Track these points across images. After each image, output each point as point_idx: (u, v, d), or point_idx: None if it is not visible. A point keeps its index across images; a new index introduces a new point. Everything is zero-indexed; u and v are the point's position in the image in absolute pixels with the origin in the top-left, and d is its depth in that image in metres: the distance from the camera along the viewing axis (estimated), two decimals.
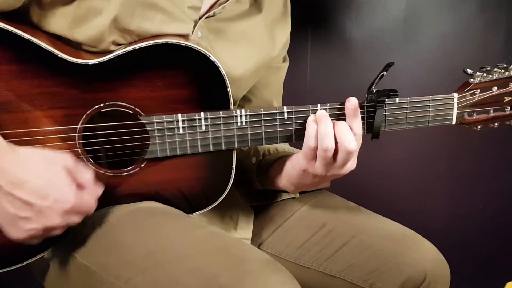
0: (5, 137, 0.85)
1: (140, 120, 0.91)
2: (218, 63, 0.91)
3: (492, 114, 1.07)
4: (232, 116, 0.94)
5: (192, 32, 0.98)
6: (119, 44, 0.93)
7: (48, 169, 0.80)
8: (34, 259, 0.93)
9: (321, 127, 0.92)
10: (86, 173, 0.85)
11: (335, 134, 0.92)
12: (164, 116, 0.92)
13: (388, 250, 1.04)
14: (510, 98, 1.06)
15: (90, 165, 0.92)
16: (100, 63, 0.88)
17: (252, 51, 1.08)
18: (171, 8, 0.94)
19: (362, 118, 0.97)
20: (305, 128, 0.94)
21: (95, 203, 0.86)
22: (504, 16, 1.71)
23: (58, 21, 0.90)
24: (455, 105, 1.03)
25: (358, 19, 1.69)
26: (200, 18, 0.99)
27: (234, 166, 0.98)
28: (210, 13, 1.00)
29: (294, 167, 0.99)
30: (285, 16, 1.17)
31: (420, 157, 1.85)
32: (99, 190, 0.88)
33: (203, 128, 0.94)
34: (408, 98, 1.00)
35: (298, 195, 1.20)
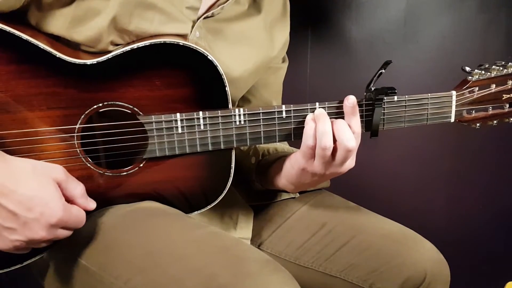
0: (4, 137, 0.86)
1: (139, 120, 0.91)
2: (216, 62, 0.91)
3: (490, 111, 1.07)
4: (231, 115, 0.94)
5: (191, 32, 0.98)
6: (117, 44, 0.93)
7: (37, 181, 0.79)
8: (33, 259, 0.93)
9: (319, 126, 0.92)
10: (77, 187, 0.85)
11: (334, 133, 0.92)
12: (162, 115, 0.92)
13: (388, 250, 1.04)
14: (508, 96, 1.06)
15: (89, 165, 0.92)
16: (98, 63, 0.88)
17: (251, 51, 1.08)
18: (170, 9, 0.94)
19: (361, 116, 0.97)
20: (304, 127, 0.94)
21: (84, 217, 0.85)
22: (504, 16, 1.71)
23: (57, 22, 0.90)
24: (454, 103, 1.03)
25: (358, 19, 1.69)
26: (198, 19, 0.99)
27: (233, 165, 0.98)
28: (209, 14, 1.00)
29: (293, 166, 0.99)
30: (284, 17, 1.17)
31: (420, 157, 1.85)
32: (90, 204, 0.88)
33: (202, 127, 0.94)
34: (406, 96, 1.00)
35: (298, 195, 1.20)
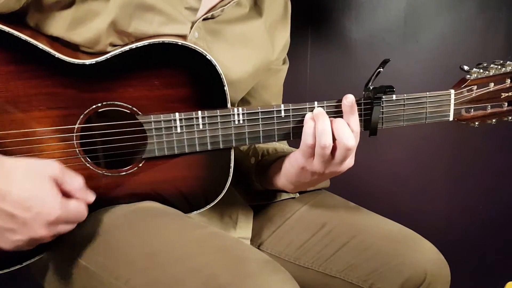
0: (3, 137, 0.86)
1: (138, 120, 0.91)
2: (214, 61, 0.91)
3: (489, 110, 1.07)
4: (230, 115, 0.94)
5: (189, 33, 0.98)
6: (116, 45, 0.93)
7: (32, 180, 0.79)
8: (33, 260, 0.94)
9: (318, 125, 0.92)
10: (75, 181, 0.84)
11: (333, 131, 0.92)
12: (161, 115, 0.92)
13: (388, 250, 1.04)
14: (507, 94, 1.06)
15: (88, 165, 0.92)
16: (97, 63, 0.88)
17: (250, 53, 1.08)
18: (169, 10, 0.94)
19: (360, 115, 0.97)
20: (303, 126, 0.94)
21: (85, 210, 0.85)
22: (504, 16, 1.71)
23: (56, 24, 0.90)
24: (452, 102, 1.03)
25: (358, 19, 1.69)
26: (197, 20, 0.99)
27: (232, 164, 0.98)
28: (208, 15, 1.00)
29: (293, 165, 0.99)
30: (285, 19, 1.17)
31: (420, 157, 1.85)
32: (89, 197, 0.86)
33: (201, 127, 0.94)
34: (405, 94, 1.00)
35: (297, 195, 1.20)
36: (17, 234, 0.79)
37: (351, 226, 1.09)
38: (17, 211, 0.77)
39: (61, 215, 0.80)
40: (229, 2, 1.02)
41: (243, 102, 1.19)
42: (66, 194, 0.83)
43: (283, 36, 1.17)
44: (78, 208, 0.84)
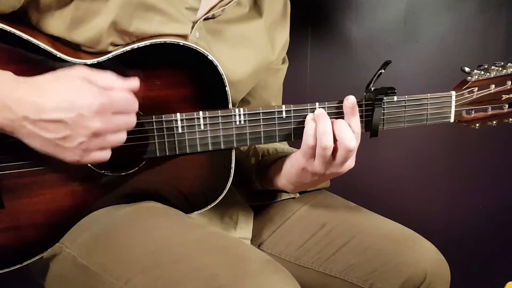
0: (4, 137, 0.86)
1: (139, 120, 0.91)
2: (216, 62, 0.92)
3: (490, 112, 1.07)
4: (231, 115, 0.94)
5: (190, 33, 0.98)
6: (117, 45, 0.93)
7: (63, 84, 0.79)
8: (33, 259, 0.94)
9: (319, 125, 0.92)
10: (106, 76, 0.82)
11: (334, 132, 0.92)
12: (163, 115, 0.92)
13: (388, 250, 1.04)
14: (507, 96, 1.06)
15: (89, 165, 0.92)
16: (98, 63, 0.89)
17: (250, 53, 1.08)
18: (169, 9, 0.94)
19: (361, 116, 0.97)
20: (304, 127, 0.94)
21: (132, 97, 0.82)
22: (504, 16, 1.71)
23: (56, 23, 0.90)
24: (453, 103, 1.04)
25: (358, 19, 1.69)
26: (198, 20, 0.99)
27: (233, 165, 0.98)
28: (209, 15, 1.00)
29: (293, 166, 0.99)
30: (284, 18, 1.17)
31: (420, 157, 1.85)
32: (132, 83, 0.83)
33: (202, 127, 0.94)
34: (406, 96, 1.00)
35: (298, 195, 1.20)
36: (75, 138, 0.79)
37: (351, 226, 1.09)
38: (61, 114, 0.77)
39: (105, 102, 0.79)
40: (229, 2, 1.02)
41: (243, 102, 1.19)
42: (101, 88, 0.80)
43: (283, 35, 1.17)
44: (120, 94, 0.82)
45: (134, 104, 0.83)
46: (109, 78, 0.81)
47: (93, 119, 0.78)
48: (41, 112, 0.77)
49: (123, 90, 0.82)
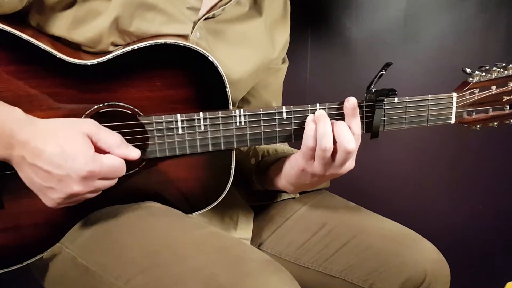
0: None
1: (139, 120, 0.91)
2: (216, 63, 0.91)
3: (491, 113, 1.07)
4: (231, 116, 0.94)
5: (191, 33, 0.98)
6: (118, 45, 0.93)
7: (65, 137, 0.80)
8: (33, 259, 0.94)
9: (319, 127, 0.92)
10: (110, 138, 0.84)
11: (334, 134, 0.92)
12: (163, 116, 0.92)
13: (388, 250, 1.04)
14: (509, 97, 1.06)
15: None
16: (99, 64, 0.88)
17: (251, 53, 1.08)
18: (170, 9, 0.94)
19: (361, 117, 0.97)
20: (304, 128, 0.94)
21: (122, 165, 0.85)
22: (504, 16, 1.71)
23: (58, 23, 0.90)
24: (454, 104, 1.04)
25: (358, 19, 1.69)
26: (199, 20, 0.99)
27: (233, 166, 0.98)
28: (209, 15, 1.00)
29: (293, 167, 0.99)
30: (284, 18, 1.17)
31: (420, 157, 1.85)
32: (131, 153, 0.86)
33: (202, 128, 0.94)
34: (407, 97, 1.00)
35: (298, 195, 1.20)
36: (55, 192, 0.81)
37: (351, 226, 1.09)
38: (52, 168, 0.79)
39: (93, 170, 0.81)
40: (229, 1, 1.02)
41: (243, 101, 1.19)
42: (103, 152, 0.83)
43: (283, 35, 1.17)
44: (112, 162, 0.84)
45: (121, 172, 0.86)
46: (112, 140, 0.84)
47: (77, 183, 0.80)
48: (37, 159, 0.79)
49: (118, 156, 0.85)
